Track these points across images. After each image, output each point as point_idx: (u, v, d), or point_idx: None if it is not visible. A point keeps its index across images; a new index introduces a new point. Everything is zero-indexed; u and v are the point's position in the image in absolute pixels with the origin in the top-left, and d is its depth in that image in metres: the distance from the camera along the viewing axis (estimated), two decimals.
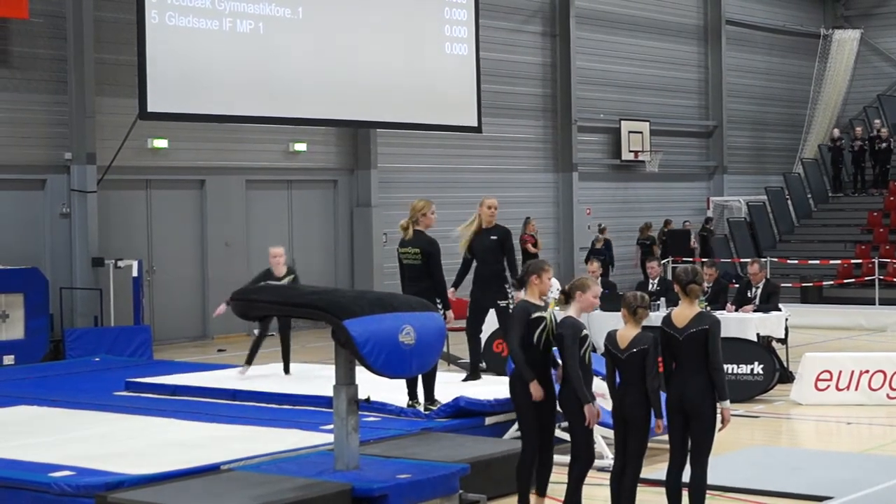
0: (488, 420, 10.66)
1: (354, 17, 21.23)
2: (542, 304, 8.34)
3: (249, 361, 13.70)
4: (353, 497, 7.79)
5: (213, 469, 8.60)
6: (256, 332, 14.21)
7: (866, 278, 24.88)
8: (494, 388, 11.39)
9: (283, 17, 20.30)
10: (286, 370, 13.70)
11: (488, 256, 12.33)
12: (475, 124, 23.41)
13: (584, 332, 8.03)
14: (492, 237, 12.33)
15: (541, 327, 8.18)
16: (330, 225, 23.31)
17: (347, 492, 7.78)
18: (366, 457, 8.50)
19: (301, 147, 22.46)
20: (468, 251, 12.50)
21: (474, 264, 12.60)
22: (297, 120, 21.33)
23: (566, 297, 8.20)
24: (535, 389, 8.09)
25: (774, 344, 14.92)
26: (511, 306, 12.76)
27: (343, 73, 21.09)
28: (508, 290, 12.41)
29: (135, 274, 18.56)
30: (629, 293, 8.20)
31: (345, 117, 21.78)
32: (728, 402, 7.76)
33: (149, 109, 18.65)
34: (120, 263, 18.77)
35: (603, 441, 9.67)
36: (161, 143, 20.36)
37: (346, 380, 8.20)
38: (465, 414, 10.62)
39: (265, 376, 13.46)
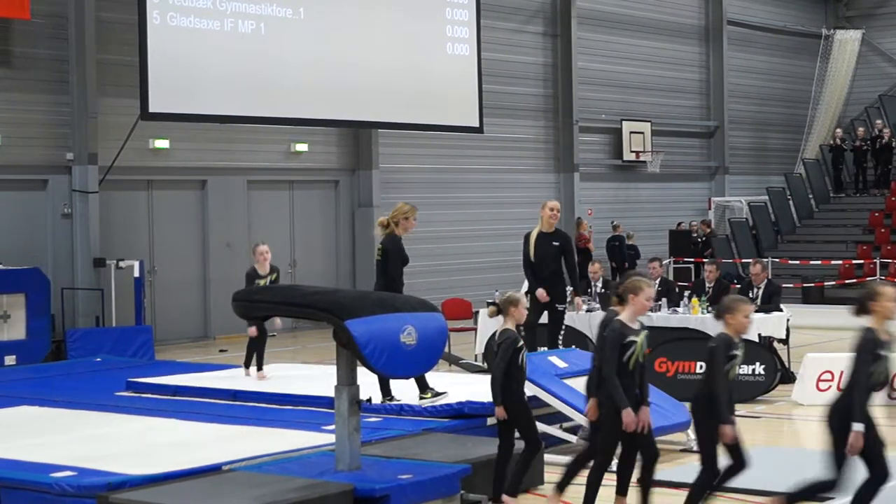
0: (490, 420, 10.62)
1: (356, 18, 21.23)
2: (638, 325, 7.99)
3: (248, 364, 13.64)
4: (354, 497, 7.77)
5: (214, 469, 8.59)
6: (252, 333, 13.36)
7: (868, 279, 24.86)
8: None
9: (285, 18, 20.31)
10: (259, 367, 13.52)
11: (549, 261, 12.72)
12: (477, 125, 23.41)
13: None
14: (553, 243, 12.72)
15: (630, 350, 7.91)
16: (331, 225, 23.30)
17: (349, 492, 7.78)
18: (367, 457, 8.49)
19: (302, 147, 22.46)
20: (533, 255, 12.77)
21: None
22: (298, 120, 21.32)
23: (619, 300, 8.11)
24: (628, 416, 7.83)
25: (776, 344, 14.92)
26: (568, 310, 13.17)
27: (344, 74, 21.09)
28: (567, 294, 13.05)
29: (136, 274, 18.58)
30: None
31: (346, 117, 21.78)
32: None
33: (150, 110, 18.66)
34: (121, 264, 18.78)
35: None
36: (162, 144, 20.37)
37: (347, 380, 8.21)
38: (467, 415, 10.62)
39: (265, 376, 13.45)
